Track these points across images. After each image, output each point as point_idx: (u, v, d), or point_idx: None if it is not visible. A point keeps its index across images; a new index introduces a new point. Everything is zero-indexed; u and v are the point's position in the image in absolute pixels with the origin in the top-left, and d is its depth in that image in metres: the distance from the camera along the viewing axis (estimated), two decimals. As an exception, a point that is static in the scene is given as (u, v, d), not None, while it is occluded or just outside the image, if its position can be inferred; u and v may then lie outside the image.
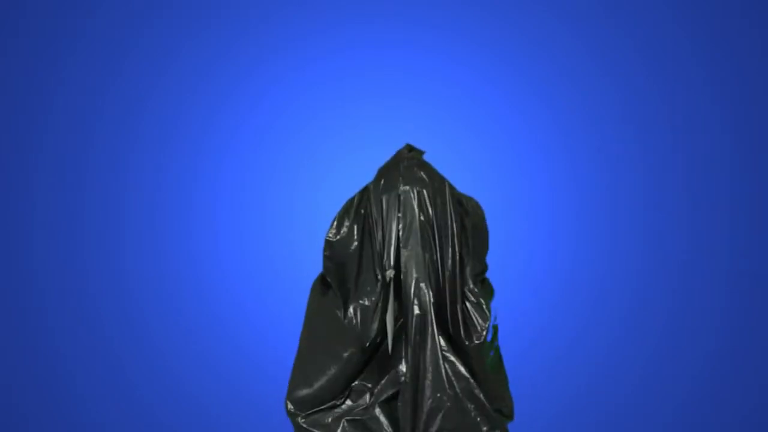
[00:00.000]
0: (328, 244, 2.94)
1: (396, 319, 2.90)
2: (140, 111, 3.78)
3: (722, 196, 3.72)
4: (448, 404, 2.78)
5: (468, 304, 2.86)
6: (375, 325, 2.83)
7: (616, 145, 3.76)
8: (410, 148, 2.99)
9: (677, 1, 3.73)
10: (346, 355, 2.87)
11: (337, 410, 2.90)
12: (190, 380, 3.47)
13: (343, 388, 2.91)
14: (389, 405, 2.89)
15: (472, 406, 2.82)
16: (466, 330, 2.83)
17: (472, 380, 2.83)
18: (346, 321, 2.86)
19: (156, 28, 3.78)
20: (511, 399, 2.98)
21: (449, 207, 2.88)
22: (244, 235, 3.81)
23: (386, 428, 2.86)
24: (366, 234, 2.92)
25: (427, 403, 2.77)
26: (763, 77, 3.69)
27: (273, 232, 3.79)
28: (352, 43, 3.79)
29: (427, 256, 2.81)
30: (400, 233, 2.83)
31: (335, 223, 2.97)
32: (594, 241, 3.75)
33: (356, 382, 2.93)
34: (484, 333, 2.86)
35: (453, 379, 2.81)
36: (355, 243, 2.93)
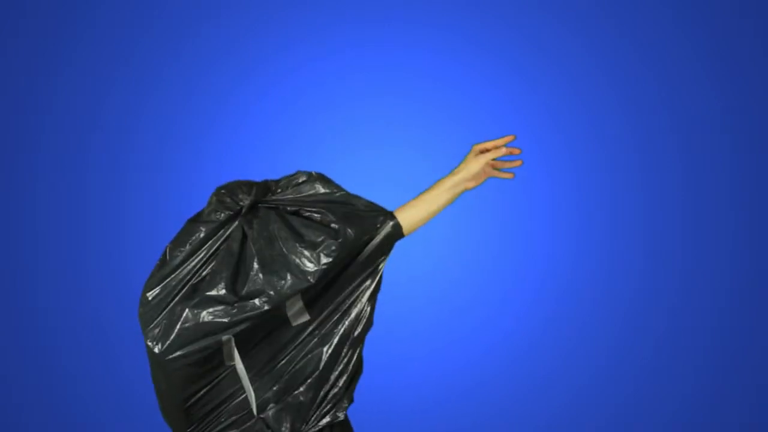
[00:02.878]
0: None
1: None
2: (140, 111, 3.79)
3: (723, 196, 3.72)
4: None
5: None
6: None
7: (617, 145, 3.76)
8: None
9: (678, 2, 3.73)
10: None
11: None
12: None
13: None
14: None
15: None
16: None
17: None
18: None
19: (156, 28, 3.78)
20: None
21: None
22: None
23: None
24: None
25: None
26: (764, 77, 3.69)
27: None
28: (353, 43, 3.79)
29: None
30: None
31: None
32: (594, 242, 3.76)
33: None
34: None
35: None
36: None
